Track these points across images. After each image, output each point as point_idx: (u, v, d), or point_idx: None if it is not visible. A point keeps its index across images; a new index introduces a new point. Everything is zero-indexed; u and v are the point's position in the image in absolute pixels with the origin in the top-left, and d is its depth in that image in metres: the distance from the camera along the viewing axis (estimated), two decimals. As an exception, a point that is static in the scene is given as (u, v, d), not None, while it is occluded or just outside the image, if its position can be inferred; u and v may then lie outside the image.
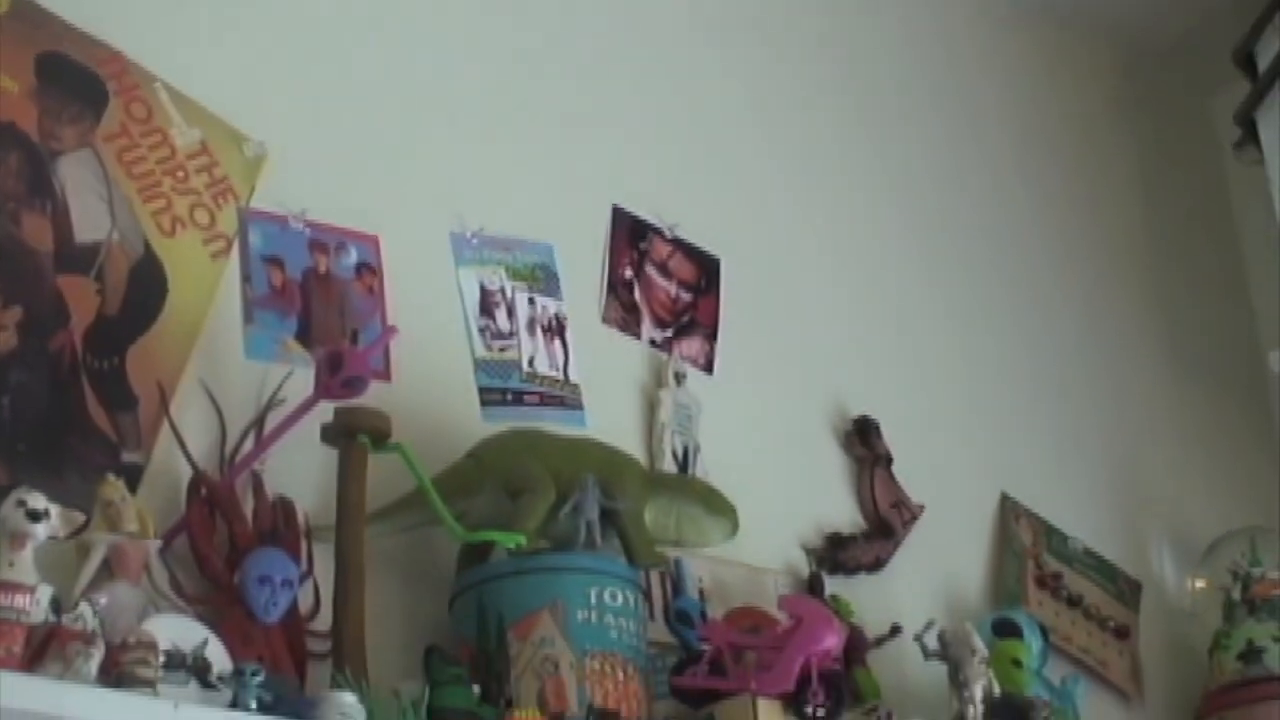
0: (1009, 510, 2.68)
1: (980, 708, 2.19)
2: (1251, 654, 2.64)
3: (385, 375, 2.06)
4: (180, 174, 2.01)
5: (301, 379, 1.95)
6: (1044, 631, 2.47)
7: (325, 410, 1.92)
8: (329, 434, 1.93)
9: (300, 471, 1.94)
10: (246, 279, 2.03)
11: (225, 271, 2.01)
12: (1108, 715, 2.65)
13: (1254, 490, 3.06)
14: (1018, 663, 2.35)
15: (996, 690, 2.23)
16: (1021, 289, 2.89)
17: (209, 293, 1.99)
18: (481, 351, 2.18)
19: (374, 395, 1.94)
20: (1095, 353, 2.95)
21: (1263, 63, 2.91)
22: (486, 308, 2.20)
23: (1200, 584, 2.83)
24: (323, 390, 1.90)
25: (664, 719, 1.99)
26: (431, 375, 2.12)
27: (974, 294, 2.81)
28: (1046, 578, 2.65)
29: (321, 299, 2.06)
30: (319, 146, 2.11)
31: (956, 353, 2.74)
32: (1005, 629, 2.41)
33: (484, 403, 2.15)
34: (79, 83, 1.96)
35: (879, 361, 2.62)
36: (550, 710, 1.87)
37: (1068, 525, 2.74)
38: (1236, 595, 2.73)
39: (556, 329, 2.25)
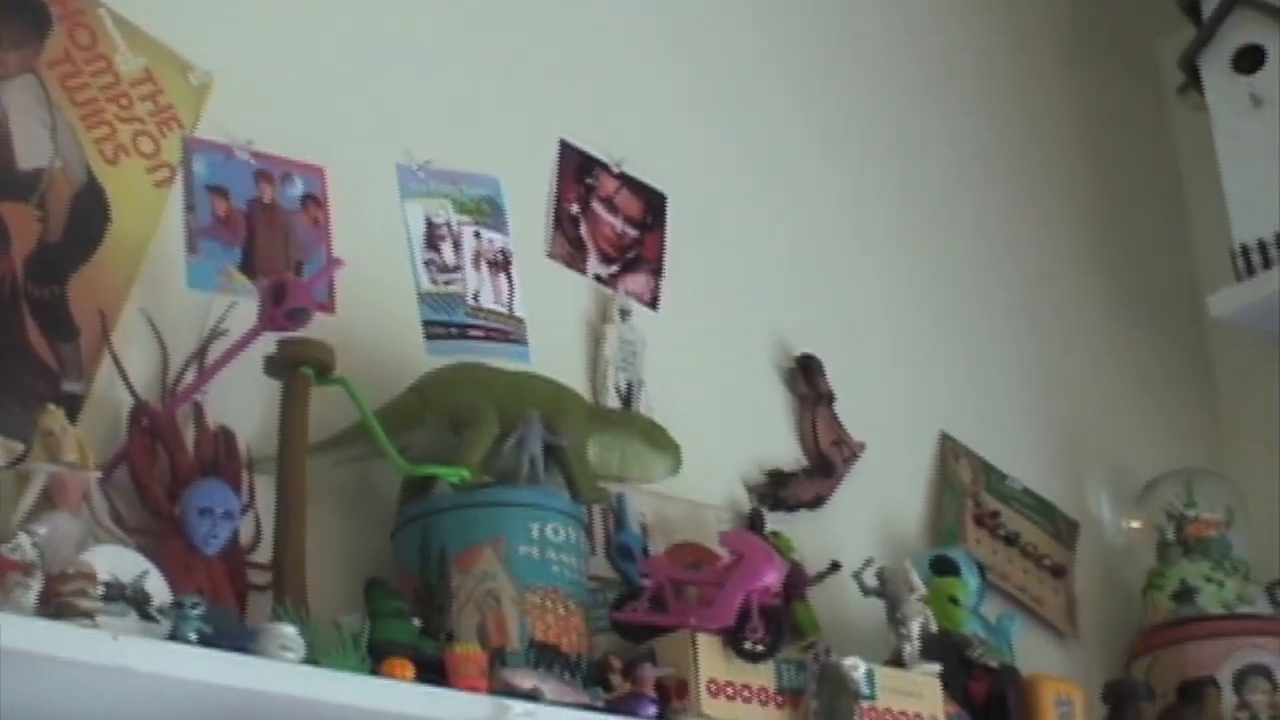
0: (948, 449, 2.69)
1: (917, 644, 2.21)
2: (1185, 594, 2.67)
3: (329, 308, 2.04)
4: (124, 101, 1.99)
5: (245, 310, 1.93)
6: (981, 569, 2.49)
7: (268, 342, 1.91)
8: (272, 366, 1.92)
9: (242, 403, 1.92)
10: (190, 209, 2.01)
11: (169, 201, 1.99)
12: (1042, 652, 2.67)
13: (1191, 433, 3.09)
14: (955, 600, 2.37)
15: (933, 627, 2.25)
16: (965, 229, 2.89)
17: (152, 222, 1.97)
18: (427, 285, 2.17)
19: (318, 327, 1.93)
20: (1037, 293, 2.96)
21: (1207, 8, 2.91)
22: (432, 241, 2.19)
23: (1136, 524, 2.85)
24: (266, 321, 1.88)
25: (604, 654, 1.98)
26: (376, 308, 2.11)
27: (918, 234, 2.81)
28: (985, 516, 2.67)
29: (266, 230, 2.05)
30: (266, 77, 2.09)
31: (900, 293, 2.74)
32: (943, 567, 2.43)
33: (428, 336, 2.14)
34: (22, 7, 1.93)
35: (823, 300, 2.62)
36: (491, 644, 1.87)
37: (1007, 465, 2.75)
38: (1171, 536, 2.76)
39: (502, 263, 2.24)
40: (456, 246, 2.20)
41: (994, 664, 2.30)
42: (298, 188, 2.08)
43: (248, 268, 2.02)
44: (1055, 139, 3.11)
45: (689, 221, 2.47)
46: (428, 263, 2.17)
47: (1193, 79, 2.93)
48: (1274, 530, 2.92)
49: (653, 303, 2.40)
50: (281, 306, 1.87)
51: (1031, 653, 2.58)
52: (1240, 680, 2.59)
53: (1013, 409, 2.84)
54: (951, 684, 2.22)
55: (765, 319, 2.53)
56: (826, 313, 2.62)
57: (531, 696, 1.82)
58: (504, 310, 2.21)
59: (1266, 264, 2.80)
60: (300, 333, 1.91)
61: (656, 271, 2.42)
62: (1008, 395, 2.85)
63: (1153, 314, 3.14)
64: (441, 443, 1.97)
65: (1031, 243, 2.99)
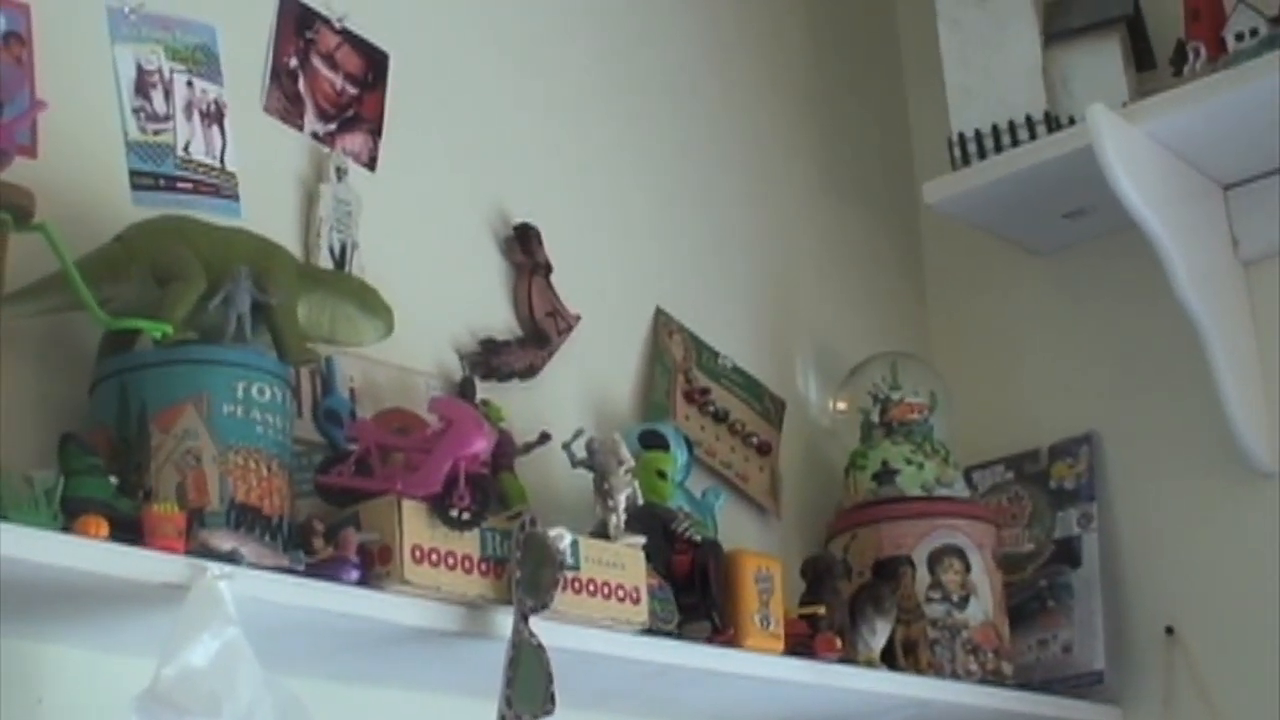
0: (662, 325, 2.71)
1: (623, 516, 2.23)
2: (885, 475, 2.74)
3: (31, 151, 1.97)
4: None
5: (-62, 151, 1.86)
6: (689, 445, 2.52)
7: (-36, 184, 1.84)
8: (-33, 210, 1.85)
9: (-66, 247, 1.85)
10: (-118, 40, 1.92)
11: None
12: (745, 527, 2.72)
13: (899, 318, 3.16)
14: (662, 474, 2.40)
15: (640, 500, 2.27)
16: (688, 107, 2.90)
17: None
18: (135, 133, 2.10)
19: (17, 171, 1.86)
20: (753, 172, 2.99)
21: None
22: (142, 88, 2.12)
23: (841, 405, 2.91)
24: (-39, 163, 1.81)
25: (307, 517, 1.97)
26: (81, 155, 2.04)
27: (641, 111, 2.81)
28: (695, 393, 2.70)
29: (-36, 67, 1.97)
30: (-33, -96, 2.00)
31: (622, 168, 2.75)
32: (652, 441, 2.45)
33: (135, 186, 2.09)
34: None
35: (544, 170, 2.61)
36: (190, 504, 1.84)
37: (719, 342, 2.79)
38: (875, 418, 2.82)
39: (215, 115, 2.18)
40: (168, 95, 2.14)
41: (697, 538, 2.34)
42: (0, 24, 2.00)
43: (-57, 105, 1.94)
44: (779, 20, 3.13)
45: (411, 83, 2.44)
46: (137, 110, 2.11)
47: (918, -37, 2.97)
48: (974, 416, 3.02)
49: (370, 163, 2.37)
50: (-22, 147, 1.80)
51: (735, 528, 2.63)
52: (934, 560, 2.67)
53: (727, 288, 2.88)
54: (655, 556, 2.25)
55: (485, 186, 2.51)
56: (547, 183, 2.61)
57: (230, 558, 1.79)
58: (215, 163, 2.16)
59: (982, 154, 2.86)
60: (-2, 176, 1.84)
61: (375, 131, 2.39)
62: (723, 274, 2.88)
63: (868, 199, 3.19)
64: (145, 296, 1.92)
65: (751, 122, 3.01)
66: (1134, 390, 2.97)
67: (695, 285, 2.81)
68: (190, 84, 2.17)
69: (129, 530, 1.76)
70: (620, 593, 2.16)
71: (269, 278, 1.99)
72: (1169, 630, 2.85)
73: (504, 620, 2.02)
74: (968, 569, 2.68)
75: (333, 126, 2.34)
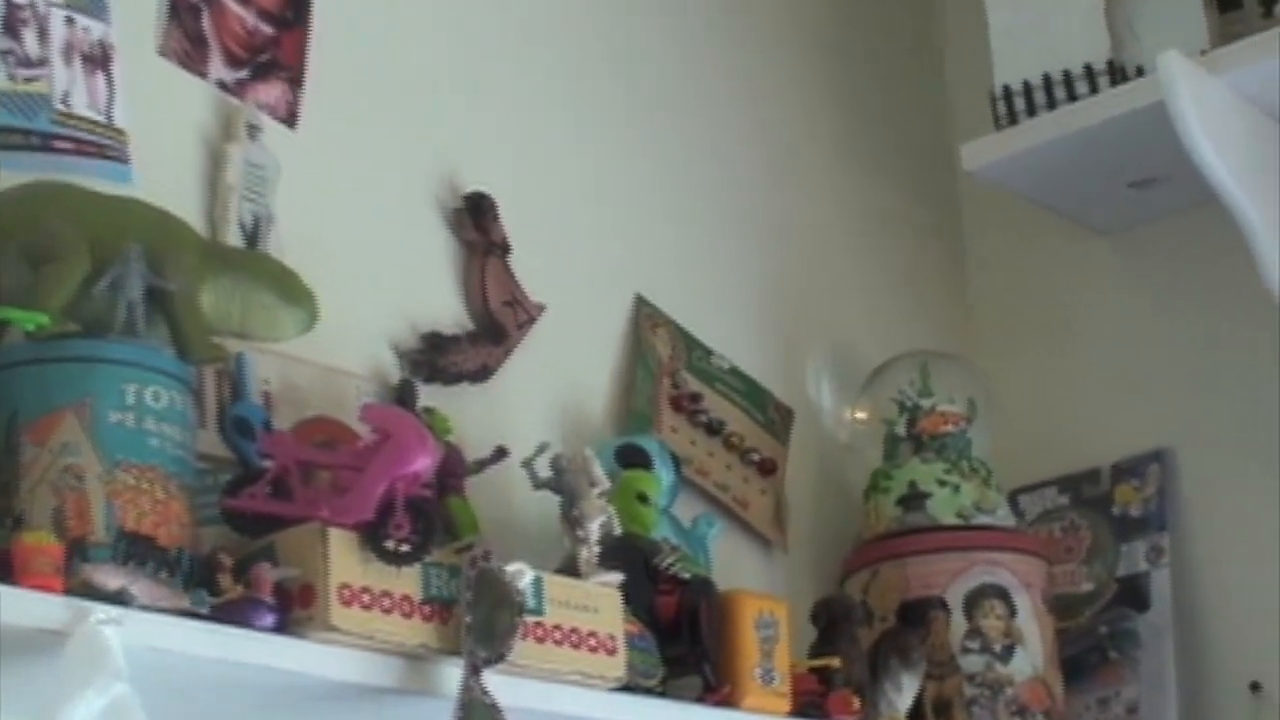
0: (644, 316, 2.72)
1: (596, 549, 2.23)
2: (913, 499, 2.74)
3: (-128, 104, 1.99)
4: None
5: None
6: (676, 462, 2.53)
7: None
8: None
9: None
10: None
11: None
12: (744, 562, 2.73)
13: (932, 310, 3.17)
14: (644, 498, 2.41)
15: (616, 529, 2.27)
16: (674, 51, 2.90)
17: None
18: (2, 82, 2.11)
19: None
20: (758, 132, 2.99)
21: None
22: (11, 26, 2.13)
23: (861, 414, 2.92)
24: None
25: (213, 549, 1.97)
26: (-65, 108, 2.05)
27: (620, 52, 2.82)
28: (683, 399, 2.71)
29: None
30: None
31: (595, 124, 2.75)
32: (631, 457, 2.46)
33: (2, 146, 2.09)
34: None
35: (500, 129, 2.62)
36: (69, 533, 1.84)
37: (713, 338, 2.79)
38: (901, 430, 2.83)
39: (100, 59, 2.19)
40: (43, 34, 2.14)
41: (686, 575, 2.34)
42: None
43: None
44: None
45: (340, 20, 2.44)
46: (4, 53, 2.12)
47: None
48: (1021, 428, 3.02)
49: (290, 119, 2.37)
50: None
51: (731, 563, 2.64)
52: (972, 602, 2.68)
53: (724, 272, 2.88)
54: (635, 597, 2.26)
55: (430, 147, 2.52)
56: (505, 144, 2.62)
57: (118, 599, 1.79)
58: (100, 118, 2.16)
59: (1031, 111, 2.87)
60: None
61: (296, 80, 2.39)
62: (719, 255, 2.88)
63: (895, 164, 3.20)
64: (16, 280, 1.93)
65: (756, 72, 3.02)
66: (1215, 398, 2.98)
67: (685, 269, 2.81)
68: (70, 21, 2.17)
69: (-4, 565, 1.77)
70: (592, 642, 2.16)
71: (167, 258, 1.99)
72: (1255, 687, 2.86)
73: (451, 674, 2.02)
74: (1012, 613, 2.69)
75: (244, 74, 2.34)
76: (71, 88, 2.16)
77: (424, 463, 2.05)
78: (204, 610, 1.87)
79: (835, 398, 2.98)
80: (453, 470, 2.25)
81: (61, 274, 1.93)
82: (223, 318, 2.09)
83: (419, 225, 2.49)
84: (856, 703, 2.44)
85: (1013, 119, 2.89)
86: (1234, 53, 2.75)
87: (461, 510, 2.24)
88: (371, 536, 1.99)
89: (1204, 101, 2.68)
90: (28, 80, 2.13)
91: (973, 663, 2.66)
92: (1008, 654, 2.68)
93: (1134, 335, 3.08)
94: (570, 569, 2.22)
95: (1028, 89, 2.88)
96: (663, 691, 2.26)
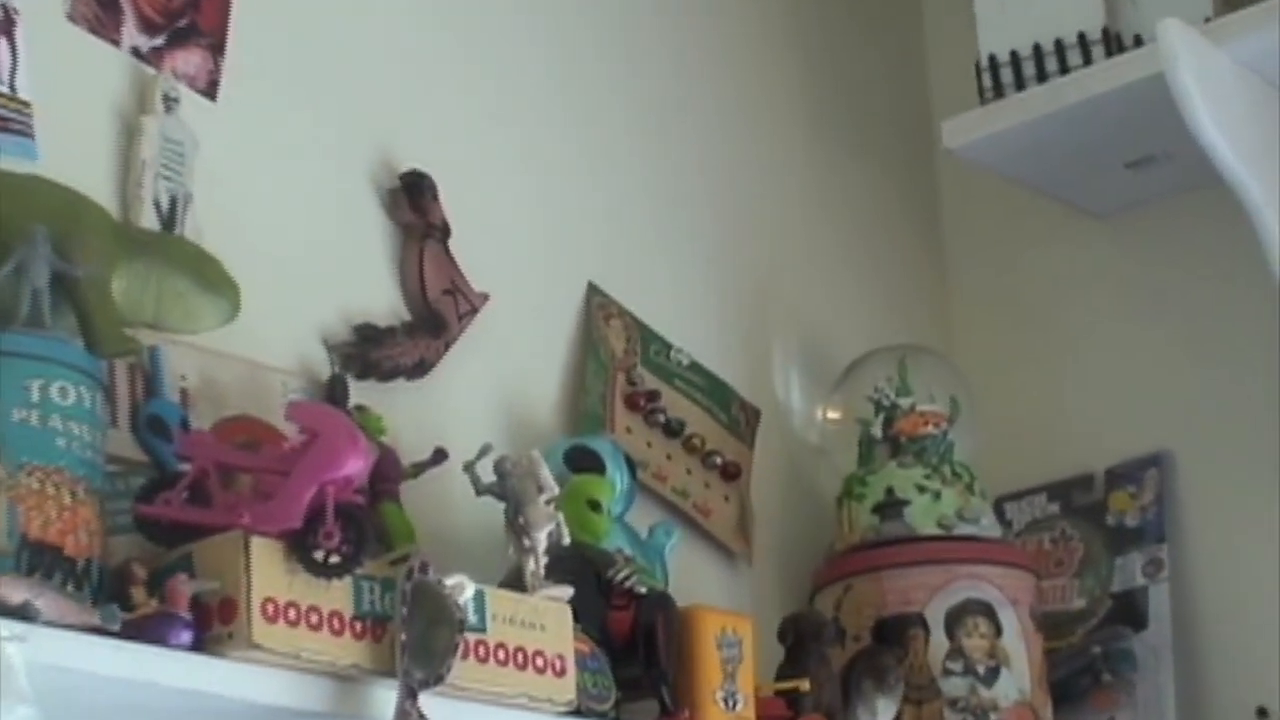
0: (597, 306, 2.71)
1: (543, 561, 2.23)
2: (890, 506, 2.75)
3: None
4: None
5: None
6: (631, 466, 2.53)
7: None
8: None
9: None
10: None
11: None
12: (706, 575, 2.74)
13: (910, 300, 3.18)
14: (596, 505, 2.41)
15: (566, 538, 2.27)
16: (630, 19, 2.90)
17: None
18: (-106, 48, 2.10)
19: None
20: (721, 109, 3.00)
21: None
22: (-99, -14, 2.12)
23: (834, 414, 2.92)
24: None
25: (125, 559, 1.96)
26: None
27: (570, 27, 2.81)
28: (639, 397, 2.70)
29: None
30: None
31: (545, 99, 2.75)
32: (582, 461, 2.46)
33: (-105, 120, 2.09)
34: None
35: (440, 102, 2.62)
36: (-34, 542, 1.84)
37: (672, 331, 2.79)
38: (877, 431, 2.83)
39: (2, 24, 2.18)
40: (-63, -4, 2.14)
41: (642, 589, 2.34)
42: None
43: None
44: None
45: (264, -18, 2.44)
46: (-102, 17, 2.11)
47: None
48: (1007, 429, 3.03)
49: (210, 90, 2.36)
50: None
51: (692, 576, 2.64)
52: (954, 620, 2.69)
53: (685, 258, 2.88)
54: (586, 614, 2.26)
55: (363, 121, 2.51)
56: (445, 119, 2.61)
57: (22, 614, 1.78)
58: (3, 89, 2.15)
59: (1019, 84, 2.87)
60: None
61: (217, 48, 2.38)
62: (679, 239, 2.88)
63: (870, 142, 3.21)
64: (-90, 266, 1.92)
65: (719, 44, 3.02)
66: (1219, 398, 2.99)
67: (642, 254, 2.81)
68: (-32, -18, 2.16)
69: (-116, 577, 1.76)
70: (539, 662, 2.16)
71: (74, 242, 1.99)
72: (1261, 713, 2.87)
73: (385, 697, 2.01)
74: (998, 632, 2.70)
75: (160, 41, 2.33)
76: (-31, 55, 2.15)
77: (356, 466, 2.04)
78: (115, 626, 1.86)
79: (805, 396, 2.98)
80: (387, 474, 2.24)
81: (-42, 259, 1.93)
82: (136, 307, 2.08)
83: (351, 206, 2.49)
84: (828, 728, 2.45)
85: (999, 92, 2.89)
86: (1239, 20, 2.75)
87: (397, 518, 2.24)
88: (298, 546, 1.98)
89: (1207, 74, 2.68)
90: (-79, 46, 2.12)
91: (954, 685, 2.67)
92: (992, 676, 2.68)
93: (1130, 328, 3.08)
94: (515, 582, 2.22)
95: (1015, 59, 2.88)
96: (616, 716, 2.27)
